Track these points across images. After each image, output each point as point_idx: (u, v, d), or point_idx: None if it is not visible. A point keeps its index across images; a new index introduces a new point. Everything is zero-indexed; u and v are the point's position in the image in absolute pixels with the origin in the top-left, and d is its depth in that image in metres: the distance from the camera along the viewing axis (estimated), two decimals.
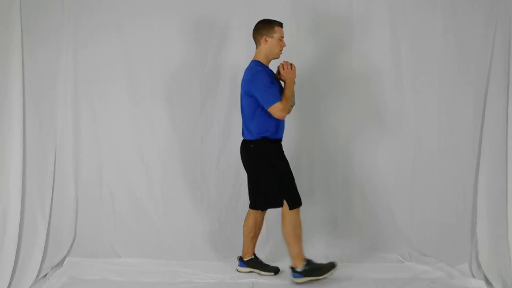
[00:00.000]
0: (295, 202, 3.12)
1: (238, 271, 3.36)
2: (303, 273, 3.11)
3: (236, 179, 3.66)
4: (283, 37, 3.13)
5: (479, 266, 3.33)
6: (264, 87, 3.01)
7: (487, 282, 3.20)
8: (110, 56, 3.59)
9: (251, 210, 3.33)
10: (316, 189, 3.59)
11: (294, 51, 3.45)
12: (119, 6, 3.58)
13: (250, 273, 3.34)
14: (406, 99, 3.58)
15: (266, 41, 3.10)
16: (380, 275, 3.29)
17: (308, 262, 3.12)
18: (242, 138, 3.22)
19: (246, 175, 3.30)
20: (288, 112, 3.08)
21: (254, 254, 3.37)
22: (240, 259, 3.37)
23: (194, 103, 3.64)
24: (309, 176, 3.64)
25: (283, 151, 3.21)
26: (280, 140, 3.21)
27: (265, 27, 3.11)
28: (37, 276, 3.32)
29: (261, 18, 3.17)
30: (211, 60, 3.62)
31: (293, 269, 3.14)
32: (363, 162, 3.65)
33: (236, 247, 3.61)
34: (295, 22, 3.56)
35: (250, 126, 3.12)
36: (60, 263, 3.49)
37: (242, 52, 3.58)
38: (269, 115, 3.06)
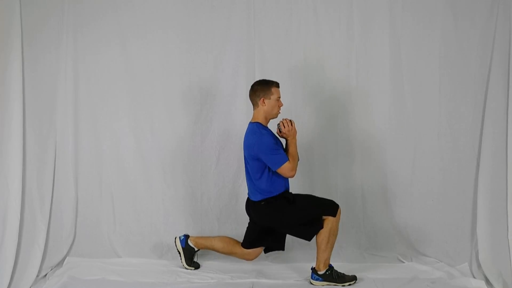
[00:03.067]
0: (333, 208, 3.14)
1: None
2: (323, 277, 3.15)
3: (236, 179, 3.66)
4: (280, 97, 3.16)
5: (479, 266, 3.33)
6: (271, 150, 3.04)
7: (487, 282, 3.20)
8: (110, 57, 3.59)
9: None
10: (316, 189, 3.58)
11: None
12: (119, 6, 3.57)
13: (251, 274, 3.34)
14: (406, 99, 3.57)
15: (264, 103, 3.12)
16: (380, 275, 3.29)
17: (330, 268, 3.17)
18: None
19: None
20: None
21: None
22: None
23: (194, 103, 3.64)
24: (309, 176, 3.64)
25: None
26: (287, 191, 3.22)
27: (262, 89, 3.13)
28: (37, 276, 3.32)
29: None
30: (211, 60, 3.62)
31: (315, 271, 3.18)
32: (363, 162, 3.65)
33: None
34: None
35: (258, 187, 3.14)
36: (60, 263, 3.49)
37: (242, 52, 3.59)
38: (277, 176, 3.10)
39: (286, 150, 3.15)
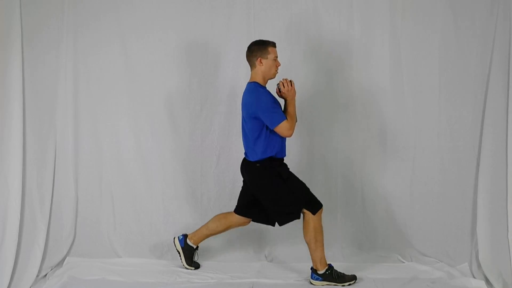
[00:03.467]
0: (316, 206, 3.15)
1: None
2: (323, 277, 3.15)
3: (236, 179, 3.65)
4: (277, 56, 3.15)
5: (479, 266, 3.33)
6: (268, 108, 3.03)
7: (487, 282, 3.20)
8: (110, 57, 3.59)
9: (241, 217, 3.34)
10: (316, 189, 3.57)
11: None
12: (119, 6, 3.57)
13: (251, 274, 3.34)
14: (406, 99, 3.57)
15: (261, 62, 3.11)
16: (380, 275, 3.29)
17: (330, 268, 3.17)
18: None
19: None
20: None
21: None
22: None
23: (194, 103, 3.64)
24: (309, 177, 3.63)
25: (288, 168, 3.24)
26: (283, 159, 3.22)
27: (258, 49, 3.12)
28: (37, 276, 3.32)
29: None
30: (211, 60, 3.62)
31: (314, 271, 3.18)
32: (363, 162, 3.65)
33: (235, 247, 3.62)
34: (294, 32, 3.59)
35: (255, 147, 3.12)
36: (60, 263, 3.49)
37: (242, 52, 3.56)
38: (274, 135, 3.09)
39: (284, 110, 3.14)
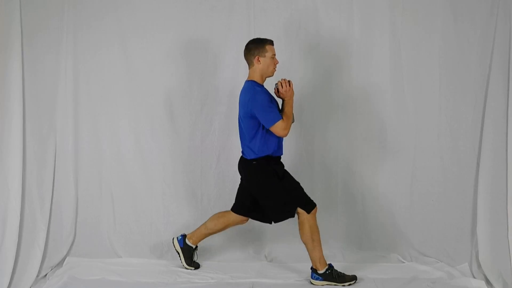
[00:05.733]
0: (310, 205, 3.16)
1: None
2: (323, 277, 3.16)
3: (236, 179, 3.65)
4: (275, 54, 3.15)
5: (479, 266, 3.33)
6: (264, 107, 3.03)
7: (487, 282, 3.20)
8: (110, 57, 3.59)
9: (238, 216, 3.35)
10: (316, 189, 3.59)
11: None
12: (119, 6, 3.57)
13: (251, 274, 3.33)
14: (406, 99, 3.57)
15: (259, 61, 3.11)
16: (380, 275, 3.29)
17: (330, 268, 3.17)
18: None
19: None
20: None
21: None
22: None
23: (194, 103, 3.64)
24: (309, 177, 3.64)
25: (284, 167, 3.25)
26: (280, 157, 3.23)
27: (256, 47, 3.12)
28: (37, 276, 3.32)
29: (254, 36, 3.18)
30: (211, 60, 3.62)
31: (314, 270, 3.18)
32: (363, 162, 3.65)
33: (236, 247, 3.61)
34: (294, 31, 3.59)
35: (252, 146, 3.13)
36: (60, 263, 3.49)
37: (242, 52, 3.55)
38: (271, 134, 3.09)
39: (281, 110, 3.14)
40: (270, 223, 3.29)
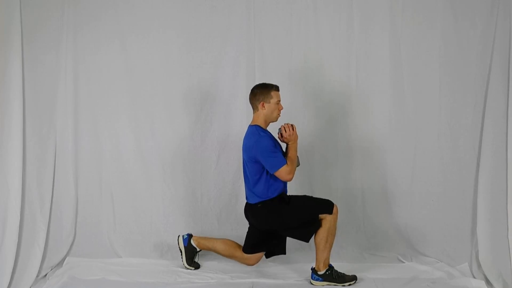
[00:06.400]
0: (328, 206, 3.14)
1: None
2: (323, 277, 3.16)
3: (236, 179, 3.66)
4: (280, 100, 3.16)
5: (479, 266, 3.33)
6: (269, 152, 3.04)
7: (487, 282, 3.20)
8: (110, 57, 3.59)
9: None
10: (316, 190, 3.59)
11: None
12: (119, 6, 3.57)
13: (251, 274, 3.33)
14: (406, 99, 3.57)
15: (264, 106, 3.13)
16: (380, 275, 3.29)
17: (330, 268, 3.17)
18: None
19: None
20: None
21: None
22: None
23: (194, 103, 3.64)
24: (309, 177, 3.64)
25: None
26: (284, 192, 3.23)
27: (261, 92, 3.13)
28: (37, 276, 3.32)
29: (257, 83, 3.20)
30: (211, 60, 3.62)
31: (315, 271, 3.18)
32: (363, 163, 3.65)
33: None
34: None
35: (255, 190, 3.14)
36: (60, 263, 3.49)
37: (241, 53, 3.59)
38: (275, 179, 3.10)
39: (285, 153, 3.15)
40: (285, 253, 3.30)
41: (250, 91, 3.20)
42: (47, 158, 3.54)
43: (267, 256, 3.35)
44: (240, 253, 3.33)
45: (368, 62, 3.59)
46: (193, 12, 3.58)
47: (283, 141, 3.18)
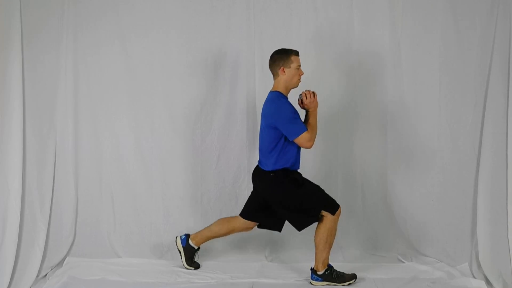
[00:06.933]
0: (334, 206, 3.13)
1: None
2: (323, 277, 3.15)
3: (236, 179, 3.66)
4: (300, 65, 3.12)
5: (479, 266, 3.33)
6: (289, 119, 3.00)
7: (487, 282, 3.20)
8: (110, 57, 3.59)
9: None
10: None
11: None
12: (119, 6, 3.57)
13: (251, 274, 3.33)
14: (406, 99, 3.58)
15: (284, 71, 3.08)
16: (380, 275, 3.29)
17: (329, 268, 3.17)
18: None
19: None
20: None
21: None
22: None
23: (194, 103, 3.64)
24: (309, 177, 3.64)
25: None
26: (297, 171, 3.20)
27: (281, 58, 3.09)
28: (37, 276, 3.32)
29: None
30: (211, 60, 3.62)
31: (314, 271, 3.18)
32: (363, 163, 3.65)
33: (236, 247, 3.61)
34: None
35: (270, 157, 3.10)
36: (60, 263, 3.49)
37: (242, 51, 3.59)
38: (290, 147, 3.07)
39: (305, 121, 3.11)
40: (280, 230, 3.28)
41: (269, 57, 3.14)
42: (47, 158, 3.54)
43: (260, 226, 3.33)
44: (237, 223, 3.31)
45: (368, 62, 3.59)
46: (193, 12, 3.58)
47: (303, 108, 3.14)
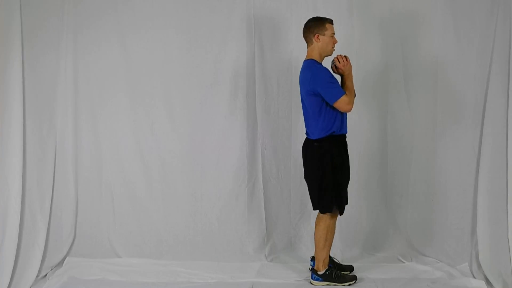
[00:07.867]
0: (341, 209, 3.13)
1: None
2: (323, 277, 3.15)
3: (236, 179, 3.65)
4: (334, 33, 3.12)
5: (479, 266, 3.33)
6: (327, 83, 3.00)
7: (487, 282, 3.20)
8: (110, 57, 3.59)
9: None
10: None
11: None
12: (119, 6, 3.57)
13: (251, 274, 3.33)
14: (405, 99, 3.57)
15: (319, 39, 3.08)
16: (380, 275, 3.29)
17: (330, 268, 3.17)
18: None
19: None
20: None
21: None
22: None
23: (194, 103, 3.64)
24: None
25: (347, 150, 3.18)
26: (345, 135, 3.17)
27: (316, 25, 3.09)
28: (37, 276, 3.32)
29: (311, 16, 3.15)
30: (211, 60, 3.61)
31: (314, 271, 3.17)
32: (362, 163, 3.65)
33: (235, 247, 3.61)
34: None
35: (316, 125, 3.07)
36: (60, 263, 3.49)
37: (242, 53, 3.58)
38: (334, 111, 3.05)
39: (342, 85, 3.10)
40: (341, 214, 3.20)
41: (303, 26, 3.13)
42: (47, 158, 3.54)
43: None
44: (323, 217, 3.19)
45: (368, 62, 3.59)
46: (193, 12, 3.58)
47: (337, 73, 3.13)
